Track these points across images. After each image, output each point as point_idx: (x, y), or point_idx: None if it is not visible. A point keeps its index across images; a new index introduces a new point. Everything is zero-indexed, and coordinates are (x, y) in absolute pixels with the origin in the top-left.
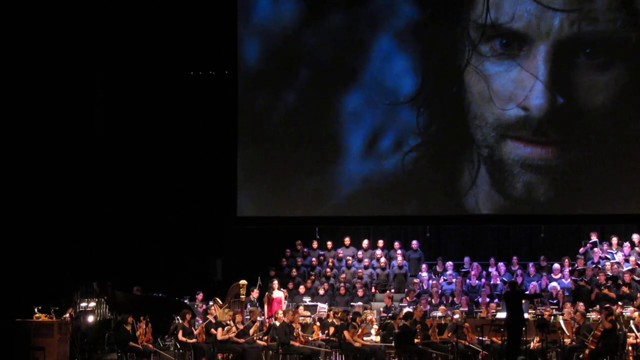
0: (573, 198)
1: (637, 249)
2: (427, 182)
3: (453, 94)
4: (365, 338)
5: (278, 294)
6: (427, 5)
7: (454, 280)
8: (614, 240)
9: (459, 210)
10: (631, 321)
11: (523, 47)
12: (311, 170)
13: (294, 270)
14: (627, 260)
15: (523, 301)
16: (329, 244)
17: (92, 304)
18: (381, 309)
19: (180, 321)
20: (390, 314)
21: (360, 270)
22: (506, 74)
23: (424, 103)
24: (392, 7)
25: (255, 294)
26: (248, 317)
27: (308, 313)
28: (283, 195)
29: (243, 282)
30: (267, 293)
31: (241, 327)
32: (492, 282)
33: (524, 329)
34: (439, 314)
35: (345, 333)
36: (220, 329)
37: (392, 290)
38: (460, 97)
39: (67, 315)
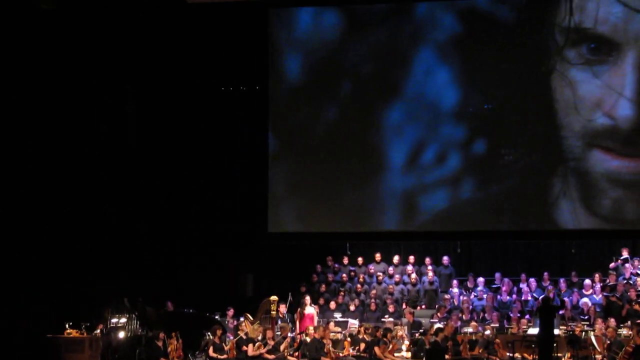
0: None
1: None
2: (516, 197)
3: (537, 103)
4: (396, 354)
5: (310, 310)
6: (510, 9)
7: (484, 296)
8: None
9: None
10: None
11: (612, 53)
12: (343, 187)
13: (324, 286)
14: None
15: (555, 317)
16: (360, 259)
17: (123, 320)
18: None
19: (211, 337)
20: (421, 330)
21: (391, 286)
22: (593, 81)
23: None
24: (433, 20)
25: (283, 309)
26: (279, 332)
27: (339, 329)
28: (315, 211)
29: (274, 297)
30: (299, 309)
31: (272, 343)
32: (523, 298)
33: (554, 345)
34: (470, 329)
35: (376, 349)
36: (251, 345)
37: (423, 306)
38: (545, 105)
39: (98, 331)
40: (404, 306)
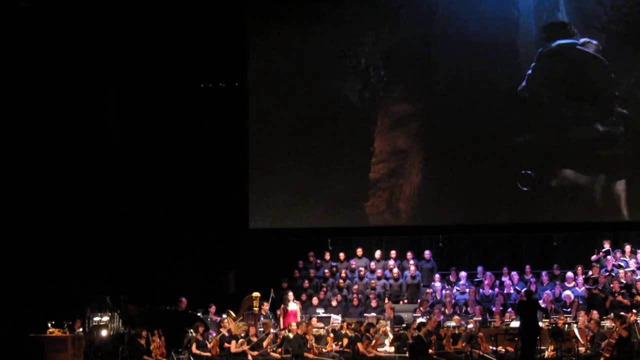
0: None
1: None
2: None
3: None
4: (379, 349)
5: (293, 306)
6: None
7: (467, 289)
8: (627, 248)
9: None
10: None
11: None
12: (325, 182)
13: (307, 281)
14: (639, 268)
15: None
16: (342, 255)
17: (106, 318)
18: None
19: (194, 334)
20: (403, 325)
21: (373, 281)
22: None
23: None
24: None
25: (265, 306)
26: (262, 329)
27: (321, 324)
28: (296, 207)
29: (256, 294)
30: (282, 305)
31: (255, 339)
32: (505, 292)
33: (538, 337)
34: (453, 323)
35: (359, 344)
36: (234, 342)
37: (405, 301)
38: None
39: (80, 329)
40: (386, 301)
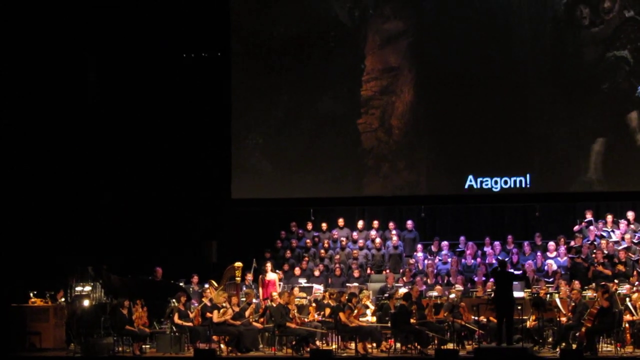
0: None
1: (632, 226)
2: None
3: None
4: (361, 319)
5: (272, 276)
6: None
7: (449, 259)
8: (609, 218)
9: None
10: (627, 299)
11: None
12: (307, 152)
13: (289, 252)
14: (622, 239)
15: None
16: (324, 225)
17: (88, 288)
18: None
19: (176, 304)
20: (386, 295)
21: (355, 251)
22: None
23: None
24: None
25: (250, 277)
26: (244, 299)
27: (304, 294)
28: (279, 177)
29: (238, 264)
30: (260, 276)
31: (237, 309)
32: (487, 262)
33: (518, 308)
34: (435, 293)
35: (341, 314)
36: (216, 312)
37: (388, 271)
38: None
39: (62, 299)
40: (368, 271)
